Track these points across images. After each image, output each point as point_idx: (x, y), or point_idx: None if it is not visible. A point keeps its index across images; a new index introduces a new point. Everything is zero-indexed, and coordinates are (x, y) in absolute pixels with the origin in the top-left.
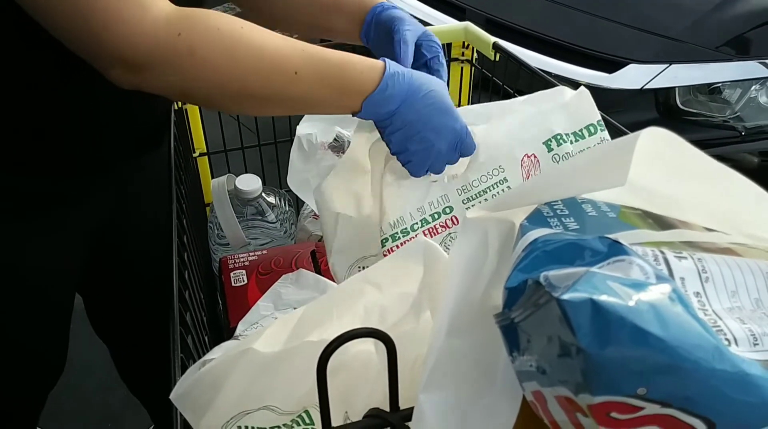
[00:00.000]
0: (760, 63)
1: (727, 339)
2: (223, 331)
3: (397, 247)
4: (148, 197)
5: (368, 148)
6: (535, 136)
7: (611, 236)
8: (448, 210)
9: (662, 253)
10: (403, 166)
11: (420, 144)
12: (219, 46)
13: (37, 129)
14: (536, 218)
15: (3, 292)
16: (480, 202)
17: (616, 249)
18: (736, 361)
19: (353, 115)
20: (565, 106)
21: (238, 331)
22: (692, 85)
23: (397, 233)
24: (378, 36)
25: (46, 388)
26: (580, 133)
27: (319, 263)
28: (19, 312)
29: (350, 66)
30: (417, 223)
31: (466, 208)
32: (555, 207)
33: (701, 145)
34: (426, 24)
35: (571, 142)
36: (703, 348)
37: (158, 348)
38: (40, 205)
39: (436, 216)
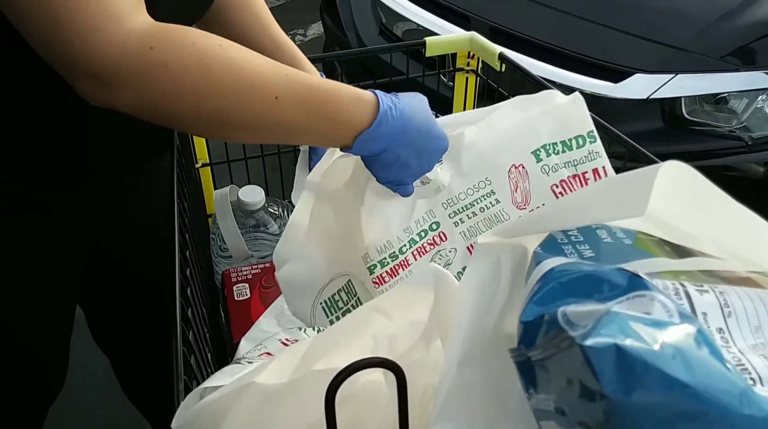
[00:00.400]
0: (766, 73)
1: (752, 378)
2: (225, 345)
3: (387, 272)
4: (146, 206)
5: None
6: (524, 145)
7: (629, 267)
8: (435, 226)
9: (683, 286)
10: (392, 190)
11: (410, 170)
12: (194, 62)
13: (24, 133)
14: (550, 245)
15: (1, 303)
16: (467, 216)
17: (636, 283)
18: (764, 405)
19: (341, 150)
20: (556, 112)
21: (240, 350)
22: (698, 95)
23: (385, 259)
24: None
25: (47, 401)
26: (568, 143)
27: None
28: (19, 325)
29: (337, 96)
30: (405, 245)
31: (454, 223)
32: (569, 233)
33: (707, 155)
34: (431, 33)
35: (557, 153)
36: (730, 393)
37: (159, 358)
38: (34, 211)
39: (423, 234)
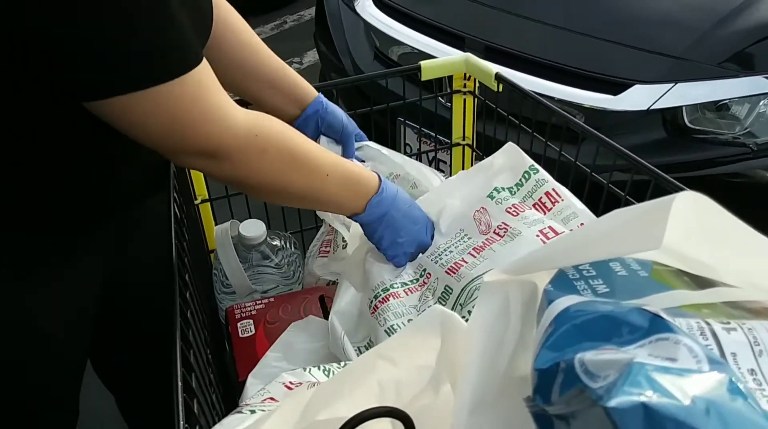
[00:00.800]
0: (766, 77)
1: None
2: (231, 381)
3: (380, 302)
4: (147, 247)
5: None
6: (480, 194)
7: (647, 301)
8: (423, 273)
9: (708, 324)
10: (390, 260)
11: (406, 235)
12: (285, 150)
13: (47, 185)
14: (561, 282)
15: (13, 348)
16: (446, 254)
17: (658, 324)
18: None
19: (352, 218)
20: (500, 167)
21: (246, 390)
22: (699, 103)
23: (378, 293)
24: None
25: None
26: (519, 182)
27: (327, 308)
28: (37, 365)
29: (361, 172)
30: (396, 284)
31: (437, 264)
32: (581, 268)
33: (713, 163)
34: (427, 56)
35: (513, 193)
36: None
37: (163, 400)
38: (51, 256)
39: (414, 281)
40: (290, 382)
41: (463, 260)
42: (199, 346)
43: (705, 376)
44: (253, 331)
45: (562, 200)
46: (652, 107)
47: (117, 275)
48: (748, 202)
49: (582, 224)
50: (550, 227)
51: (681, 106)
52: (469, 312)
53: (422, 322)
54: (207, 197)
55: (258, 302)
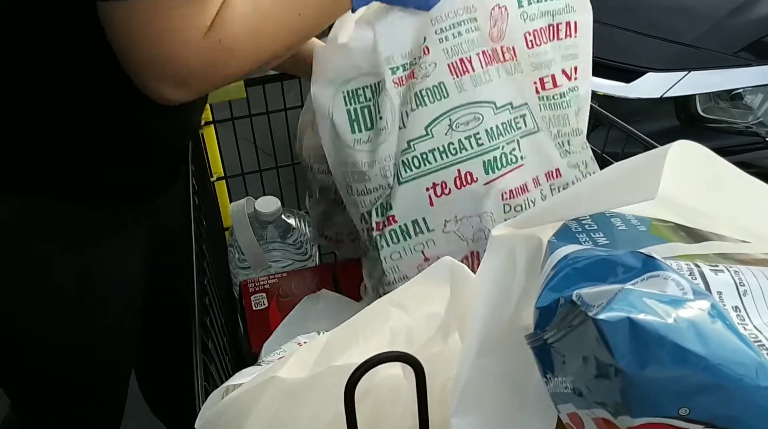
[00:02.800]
0: None
1: None
2: (244, 355)
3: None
4: (175, 221)
5: None
6: None
7: (644, 251)
8: (423, 40)
9: (697, 266)
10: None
11: None
12: (248, 34)
13: (88, 156)
14: (564, 234)
15: (78, 313)
16: (452, 35)
17: (650, 264)
18: None
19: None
20: None
21: (261, 356)
22: (712, 92)
23: (406, 64)
24: None
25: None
26: None
27: (340, 284)
28: (95, 331)
29: None
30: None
31: (438, 39)
32: (583, 222)
33: (724, 152)
34: None
35: (539, 1)
36: (746, 365)
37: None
38: (103, 229)
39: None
40: (305, 342)
41: (470, 62)
42: (215, 313)
43: (690, 302)
44: (266, 305)
45: (575, 37)
46: (664, 95)
47: (156, 241)
48: None
49: (575, 68)
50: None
51: (694, 95)
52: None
53: (433, 272)
54: (222, 175)
55: (271, 277)
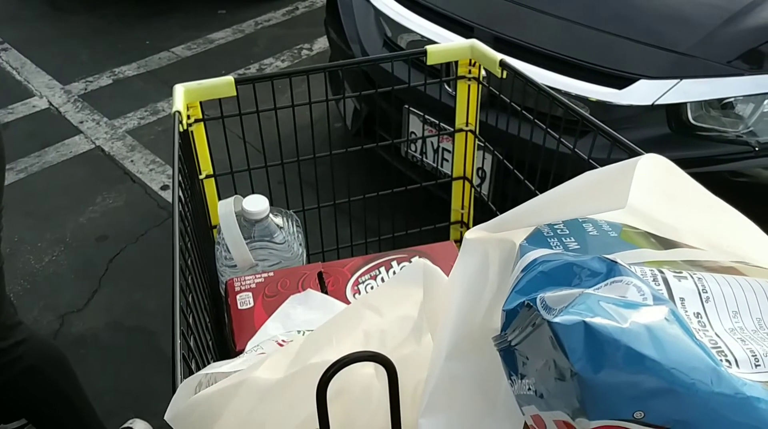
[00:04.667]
0: None
1: (728, 360)
2: (230, 353)
3: None
4: None
5: None
6: None
7: (610, 256)
8: None
9: (662, 273)
10: None
11: None
12: None
13: None
14: (536, 238)
15: None
16: None
17: (614, 269)
18: (736, 384)
19: None
20: None
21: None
22: (704, 101)
23: None
24: None
25: None
26: None
27: (326, 284)
28: None
29: None
30: None
31: None
32: (555, 227)
33: (715, 160)
34: (433, 43)
35: None
36: (700, 370)
37: None
38: None
39: None
40: (283, 340)
41: None
42: (199, 312)
43: (648, 308)
44: (252, 304)
45: None
46: (656, 102)
47: None
48: (750, 200)
49: None
50: None
51: (685, 103)
52: None
53: (406, 275)
54: (212, 173)
55: (258, 276)
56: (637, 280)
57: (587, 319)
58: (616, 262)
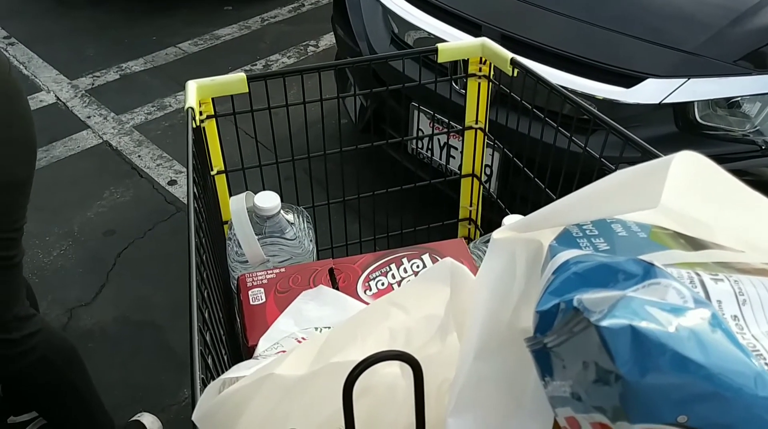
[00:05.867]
0: None
1: (766, 363)
2: (241, 349)
3: None
4: None
5: None
6: None
7: (644, 258)
8: None
9: (698, 275)
10: None
11: None
12: None
13: None
14: (565, 239)
15: None
16: None
17: (651, 271)
18: None
19: None
20: None
21: (258, 350)
22: (711, 100)
23: None
24: None
25: None
26: None
27: (337, 280)
28: None
29: None
30: None
31: None
32: (584, 227)
33: (721, 159)
34: (440, 40)
35: None
36: (745, 375)
37: None
38: None
39: None
40: (302, 338)
41: None
42: (213, 307)
43: (690, 311)
44: (264, 300)
45: None
46: (663, 101)
47: None
48: None
49: None
50: None
51: (693, 102)
52: None
53: (433, 273)
54: (223, 169)
55: (269, 272)
56: (676, 283)
57: (634, 324)
58: (653, 264)
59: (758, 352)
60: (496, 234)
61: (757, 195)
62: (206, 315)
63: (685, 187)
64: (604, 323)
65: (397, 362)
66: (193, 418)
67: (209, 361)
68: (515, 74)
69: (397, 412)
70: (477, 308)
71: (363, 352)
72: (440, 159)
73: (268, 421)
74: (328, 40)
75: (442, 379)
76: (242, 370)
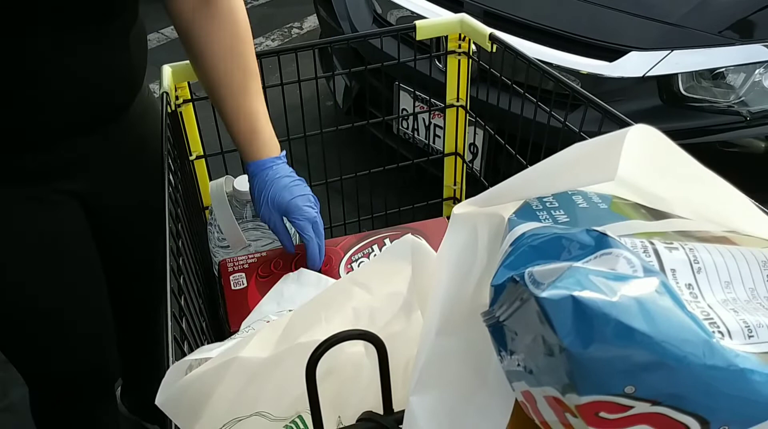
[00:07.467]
0: (764, 46)
1: (720, 332)
2: (225, 335)
3: None
4: (122, 180)
5: None
6: None
7: (600, 228)
8: None
9: (652, 244)
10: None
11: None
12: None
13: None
14: (525, 212)
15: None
16: None
17: (603, 242)
18: (729, 356)
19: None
20: None
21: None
22: (695, 71)
23: None
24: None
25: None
26: None
27: None
28: (35, 280)
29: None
30: None
31: None
32: (544, 200)
33: (706, 131)
34: (422, 17)
35: None
36: (692, 343)
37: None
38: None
39: None
40: (273, 320)
41: None
42: (191, 294)
43: (638, 280)
44: (246, 284)
45: None
46: (647, 74)
47: (90, 205)
48: (742, 171)
49: None
50: None
51: (676, 74)
52: None
53: (394, 251)
54: (202, 153)
55: (250, 256)
56: (627, 252)
57: (575, 293)
58: (606, 235)
59: (711, 320)
60: (456, 209)
61: (704, 169)
62: (182, 302)
63: (641, 161)
64: (544, 294)
65: (362, 342)
66: (157, 402)
67: (186, 348)
68: (494, 50)
69: (363, 391)
70: (438, 284)
71: (327, 333)
72: (426, 139)
73: (235, 404)
74: (312, 21)
75: (408, 357)
76: (206, 352)
